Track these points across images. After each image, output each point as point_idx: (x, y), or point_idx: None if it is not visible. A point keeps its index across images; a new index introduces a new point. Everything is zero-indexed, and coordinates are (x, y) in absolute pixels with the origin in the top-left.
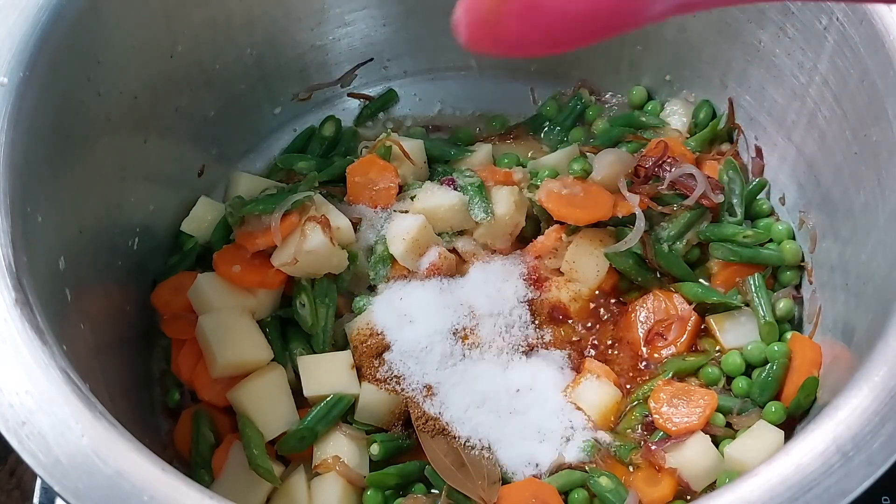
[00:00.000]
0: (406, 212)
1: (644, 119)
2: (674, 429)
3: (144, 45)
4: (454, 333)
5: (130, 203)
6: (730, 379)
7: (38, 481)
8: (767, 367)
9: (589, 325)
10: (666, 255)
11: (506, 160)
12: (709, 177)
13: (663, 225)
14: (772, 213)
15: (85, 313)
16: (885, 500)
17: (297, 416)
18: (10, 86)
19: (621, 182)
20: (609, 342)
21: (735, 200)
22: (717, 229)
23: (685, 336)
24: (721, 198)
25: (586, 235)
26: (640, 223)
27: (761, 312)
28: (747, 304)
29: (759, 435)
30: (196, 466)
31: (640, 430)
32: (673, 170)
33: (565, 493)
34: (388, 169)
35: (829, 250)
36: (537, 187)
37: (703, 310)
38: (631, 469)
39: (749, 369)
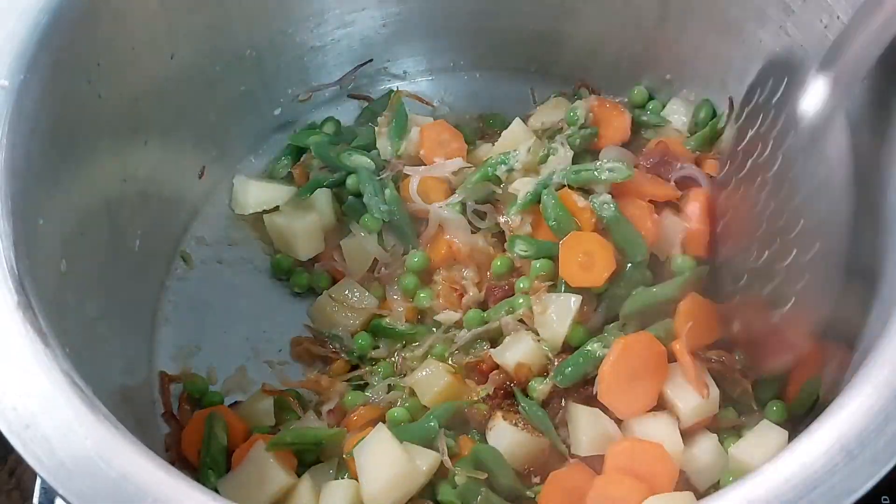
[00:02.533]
0: None
1: (644, 118)
2: None
3: (145, 47)
4: None
5: (132, 205)
6: None
7: (38, 481)
8: None
9: None
10: None
11: None
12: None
13: None
14: None
15: (87, 315)
16: (885, 499)
17: None
18: (11, 88)
19: None
20: None
21: None
22: None
23: None
24: None
25: None
26: None
27: None
28: None
29: (764, 434)
30: (204, 467)
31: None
32: (673, 170)
33: None
34: None
35: None
36: None
37: None
38: None
39: None
